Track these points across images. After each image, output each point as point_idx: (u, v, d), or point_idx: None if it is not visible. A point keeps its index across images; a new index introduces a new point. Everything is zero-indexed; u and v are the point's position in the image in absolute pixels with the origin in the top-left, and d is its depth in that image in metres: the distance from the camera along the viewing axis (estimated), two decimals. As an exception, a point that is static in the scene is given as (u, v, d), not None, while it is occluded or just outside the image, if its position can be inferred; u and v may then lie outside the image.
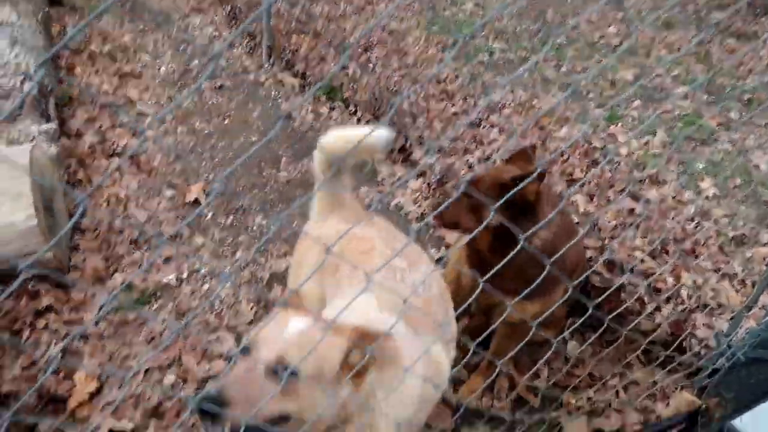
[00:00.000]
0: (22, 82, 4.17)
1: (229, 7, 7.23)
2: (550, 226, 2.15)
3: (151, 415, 2.36)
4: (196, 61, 5.96)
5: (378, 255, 1.86)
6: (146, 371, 2.55)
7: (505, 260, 1.47)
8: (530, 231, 1.97)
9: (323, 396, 1.32)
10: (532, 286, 1.56)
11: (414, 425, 1.53)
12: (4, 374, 2.38)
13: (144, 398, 2.43)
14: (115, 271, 3.06)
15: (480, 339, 2.58)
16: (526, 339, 2.50)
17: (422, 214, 3.85)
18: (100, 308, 2.79)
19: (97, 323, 2.72)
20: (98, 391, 2.42)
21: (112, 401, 2.39)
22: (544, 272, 1.55)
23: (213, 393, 1.09)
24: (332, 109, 5.19)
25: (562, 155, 4.16)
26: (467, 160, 4.17)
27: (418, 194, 4.04)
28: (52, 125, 3.86)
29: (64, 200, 3.32)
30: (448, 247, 3.51)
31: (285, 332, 1.28)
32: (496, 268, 1.49)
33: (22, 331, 2.58)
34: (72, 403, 2.33)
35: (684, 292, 3.01)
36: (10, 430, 2.23)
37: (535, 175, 1.54)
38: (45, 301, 2.72)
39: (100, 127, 4.34)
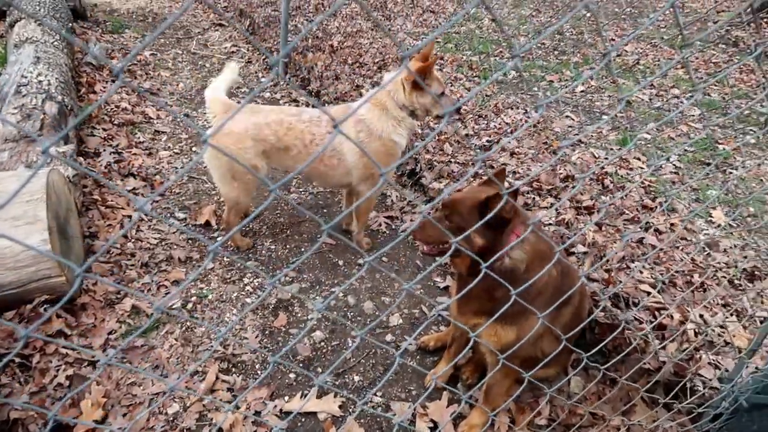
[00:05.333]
0: (43, 102, 4.28)
1: (247, 22, 7.34)
2: (525, 247, 2.13)
3: (153, 445, 2.39)
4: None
5: None
6: (151, 399, 2.60)
7: (476, 281, 1.44)
8: (498, 254, 1.99)
9: None
10: (504, 308, 1.52)
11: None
12: (12, 400, 2.44)
13: (147, 427, 2.47)
14: (125, 295, 3.12)
15: (473, 390, 2.59)
16: (518, 377, 2.48)
17: (430, 239, 3.85)
18: (109, 333, 2.85)
19: (104, 350, 2.78)
20: (104, 419, 2.47)
21: (120, 428, 2.44)
22: (513, 294, 1.51)
23: None
24: (345, 128, 5.22)
25: (572, 180, 4.15)
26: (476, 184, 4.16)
27: (426, 219, 4.04)
28: (71, 146, 3.95)
29: (79, 223, 3.40)
30: (453, 275, 3.52)
31: None
32: (465, 290, 1.47)
33: (32, 357, 2.64)
34: (78, 431, 2.38)
35: (690, 329, 2.96)
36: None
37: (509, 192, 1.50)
38: (56, 326, 2.79)
39: (118, 146, 4.42)
